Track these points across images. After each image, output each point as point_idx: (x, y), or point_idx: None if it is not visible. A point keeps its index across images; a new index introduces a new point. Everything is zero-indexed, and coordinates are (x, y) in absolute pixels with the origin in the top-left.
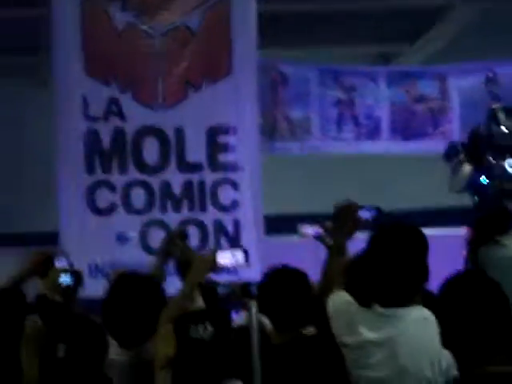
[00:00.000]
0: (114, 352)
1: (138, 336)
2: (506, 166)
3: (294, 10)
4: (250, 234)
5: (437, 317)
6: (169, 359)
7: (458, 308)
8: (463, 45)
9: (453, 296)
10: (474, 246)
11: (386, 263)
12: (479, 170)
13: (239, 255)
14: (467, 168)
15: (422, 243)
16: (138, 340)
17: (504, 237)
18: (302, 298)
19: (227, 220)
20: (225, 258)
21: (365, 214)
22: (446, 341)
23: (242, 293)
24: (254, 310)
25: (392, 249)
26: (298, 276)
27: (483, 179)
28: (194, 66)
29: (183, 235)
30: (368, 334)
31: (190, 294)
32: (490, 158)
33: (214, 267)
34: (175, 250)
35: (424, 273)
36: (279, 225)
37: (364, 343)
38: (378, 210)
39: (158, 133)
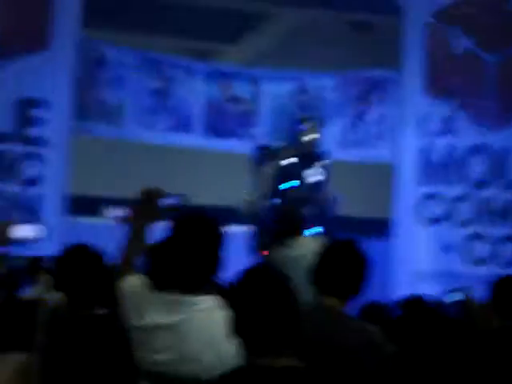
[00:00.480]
0: None
1: None
2: (304, 175)
3: None
4: (53, 209)
5: (230, 306)
6: None
7: (249, 299)
8: (281, 51)
9: (245, 287)
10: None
11: (179, 250)
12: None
13: (36, 229)
14: (270, 173)
15: (217, 235)
16: None
17: (292, 239)
18: (97, 277)
19: (30, 194)
20: (20, 230)
21: (169, 201)
22: (238, 331)
23: (33, 266)
24: (43, 283)
25: (186, 237)
26: (96, 256)
27: (284, 185)
28: (9, 36)
29: None
30: (156, 318)
31: None
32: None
33: (6, 239)
34: None
35: (215, 263)
36: (85, 206)
37: (151, 327)
38: (182, 197)
39: None
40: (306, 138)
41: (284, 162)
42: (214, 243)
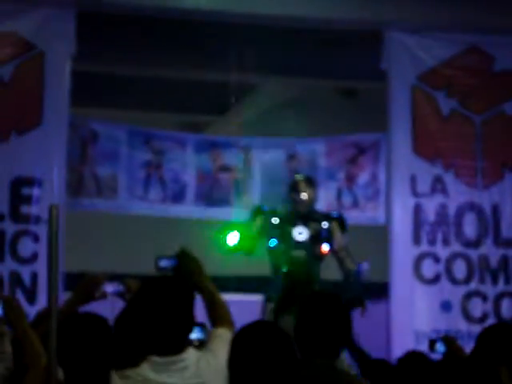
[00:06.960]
0: None
1: None
2: (293, 233)
3: (109, 72)
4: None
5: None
6: None
7: (246, 353)
8: (270, 120)
9: (242, 341)
10: (276, 313)
11: (153, 314)
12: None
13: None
14: None
15: (188, 294)
16: None
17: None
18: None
19: (25, 272)
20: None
21: (164, 263)
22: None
23: None
24: None
25: (156, 300)
26: (99, 321)
27: (272, 242)
28: (2, 117)
29: None
30: (155, 376)
31: None
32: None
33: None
34: None
35: (190, 322)
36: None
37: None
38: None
39: None
40: (300, 197)
41: (275, 221)
42: (184, 302)
